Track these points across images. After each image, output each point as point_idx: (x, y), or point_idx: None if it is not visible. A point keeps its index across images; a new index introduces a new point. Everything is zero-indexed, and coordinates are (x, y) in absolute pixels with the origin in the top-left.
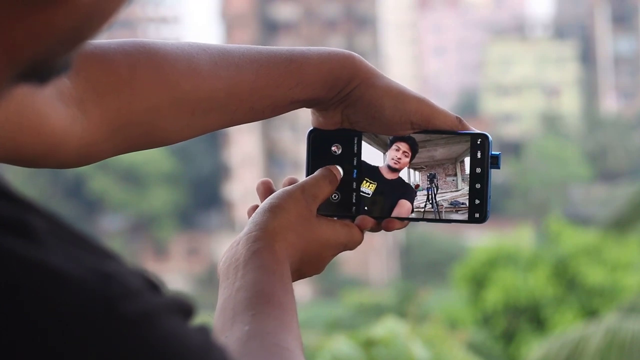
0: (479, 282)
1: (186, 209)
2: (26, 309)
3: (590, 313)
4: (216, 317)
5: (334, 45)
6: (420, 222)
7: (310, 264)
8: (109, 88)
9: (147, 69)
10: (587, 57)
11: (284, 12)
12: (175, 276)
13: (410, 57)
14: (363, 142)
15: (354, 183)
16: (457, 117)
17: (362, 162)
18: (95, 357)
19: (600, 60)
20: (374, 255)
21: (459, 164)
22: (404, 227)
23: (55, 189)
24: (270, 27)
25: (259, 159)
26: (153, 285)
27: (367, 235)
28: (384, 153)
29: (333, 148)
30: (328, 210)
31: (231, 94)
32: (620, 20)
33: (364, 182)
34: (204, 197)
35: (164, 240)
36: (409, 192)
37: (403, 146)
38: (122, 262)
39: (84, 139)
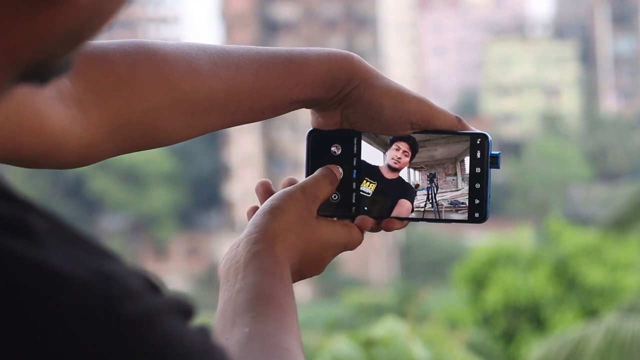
0: (479, 282)
1: (186, 209)
2: (26, 309)
3: (590, 313)
4: (216, 319)
5: (334, 45)
6: (420, 222)
7: (310, 265)
8: (109, 88)
9: (147, 69)
10: (587, 57)
11: (284, 12)
12: (175, 276)
13: (410, 57)
14: (363, 142)
15: (354, 183)
16: (456, 117)
17: (361, 162)
18: (95, 357)
19: (600, 60)
20: (374, 255)
21: (458, 164)
22: (404, 227)
23: (55, 189)
24: (270, 27)
25: (259, 159)
26: (153, 286)
27: (367, 235)
28: (384, 153)
29: (333, 148)
30: (328, 210)
31: (231, 94)
32: (620, 20)
33: (364, 181)
34: (204, 197)
35: (164, 240)
36: (409, 191)
37: (403, 146)
38: (122, 262)
39: (83, 139)
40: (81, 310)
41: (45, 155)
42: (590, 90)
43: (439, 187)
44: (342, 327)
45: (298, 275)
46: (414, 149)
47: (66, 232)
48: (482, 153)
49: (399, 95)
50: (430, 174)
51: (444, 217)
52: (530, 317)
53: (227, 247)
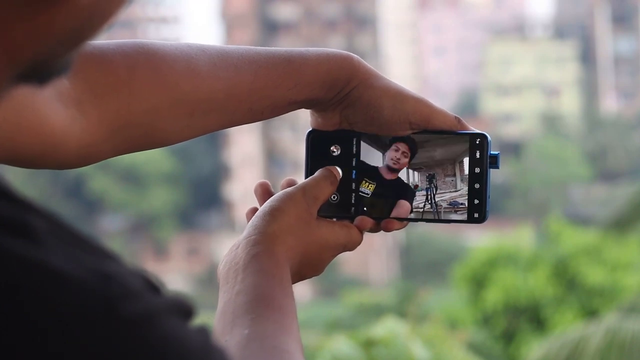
0: (479, 282)
1: (186, 209)
2: (26, 309)
3: (590, 313)
4: (216, 321)
5: (334, 45)
6: (420, 222)
7: (309, 266)
8: (108, 89)
9: (146, 69)
10: (587, 57)
11: (284, 12)
12: (175, 276)
13: (410, 57)
14: (362, 143)
15: (353, 184)
16: (456, 117)
17: (361, 163)
18: (95, 357)
19: (600, 60)
20: (374, 255)
21: (458, 164)
22: (403, 227)
23: (55, 189)
24: (270, 27)
25: (259, 159)
26: (153, 286)
27: (367, 235)
28: (383, 153)
29: (332, 149)
30: (327, 211)
31: (230, 94)
32: (620, 20)
33: (363, 182)
34: (204, 197)
35: (164, 240)
36: (408, 192)
37: (402, 146)
38: (122, 262)
39: (83, 139)
40: (81, 310)
41: (44, 156)
42: (590, 90)
43: (438, 187)
44: (342, 327)
45: (298, 277)
46: (413, 149)
47: (66, 232)
48: (482, 153)
49: (398, 96)
50: (430, 174)
51: (443, 218)
52: (530, 317)
53: (227, 247)
